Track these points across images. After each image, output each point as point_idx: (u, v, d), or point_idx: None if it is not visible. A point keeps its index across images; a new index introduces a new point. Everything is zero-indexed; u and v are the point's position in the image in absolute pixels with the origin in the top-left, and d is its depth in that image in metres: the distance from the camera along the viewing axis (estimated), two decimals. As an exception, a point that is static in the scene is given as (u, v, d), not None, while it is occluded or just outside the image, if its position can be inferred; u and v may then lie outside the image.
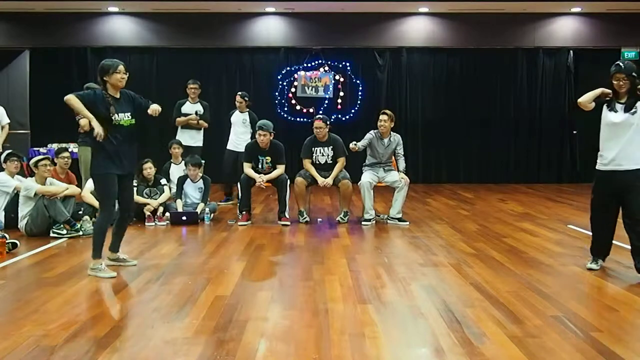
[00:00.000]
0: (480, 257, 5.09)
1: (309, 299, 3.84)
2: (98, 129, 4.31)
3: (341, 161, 6.97)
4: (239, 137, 8.22)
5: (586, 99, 4.49)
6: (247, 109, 8.33)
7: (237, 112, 8.34)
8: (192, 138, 8.19)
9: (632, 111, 4.35)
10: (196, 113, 8.18)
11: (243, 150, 8.04)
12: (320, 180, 6.84)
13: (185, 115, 8.18)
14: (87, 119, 7.46)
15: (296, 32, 11.30)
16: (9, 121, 7.71)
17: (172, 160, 7.80)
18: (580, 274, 4.53)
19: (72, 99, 4.32)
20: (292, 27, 11.28)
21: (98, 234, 4.52)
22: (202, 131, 8.33)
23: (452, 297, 3.89)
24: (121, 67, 4.46)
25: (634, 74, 4.33)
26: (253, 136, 8.05)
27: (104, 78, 4.44)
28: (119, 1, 10.59)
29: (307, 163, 6.98)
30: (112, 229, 4.73)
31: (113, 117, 4.40)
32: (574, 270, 4.64)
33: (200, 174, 7.21)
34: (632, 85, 4.35)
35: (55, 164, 6.80)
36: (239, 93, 8.37)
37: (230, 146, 8.30)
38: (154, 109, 4.61)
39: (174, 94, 8.43)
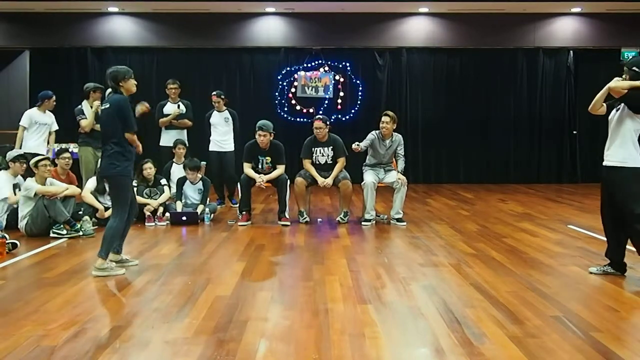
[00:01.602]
0: (480, 257, 5.09)
1: (309, 299, 3.84)
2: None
3: (341, 161, 6.97)
4: (223, 137, 8.13)
5: (592, 106, 4.44)
6: (225, 107, 8.24)
7: (215, 112, 8.19)
8: (176, 139, 8.06)
9: (617, 106, 4.35)
10: (179, 107, 8.16)
11: (229, 150, 8.08)
12: (320, 180, 6.84)
13: (168, 116, 8.15)
14: (88, 120, 7.52)
15: (296, 32, 11.30)
16: (57, 128, 7.77)
17: (174, 160, 7.78)
18: (580, 274, 4.53)
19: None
20: (292, 27, 11.29)
21: (111, 236, 4.50)
22: (185, 131, 8.28)
23: (452, 297, 3.89)
24: (132, 73, 4.57)
25: (635, 68, 4.24)
26: (235, 133, 8.10)
27: (120, 83, 4.49)
28: (119, 1, 10.60)
29: (307, 163, 6.98)
30: (130, 229, 4.79)
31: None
32: (574, 270, 4.64)
33: (200, 176, 7.21)
34: (632, 80, 4.24)
35: (55, 165, 6.80)
36: (214, 93, 8.21)
37: (213, 147, 8.16)
38: None
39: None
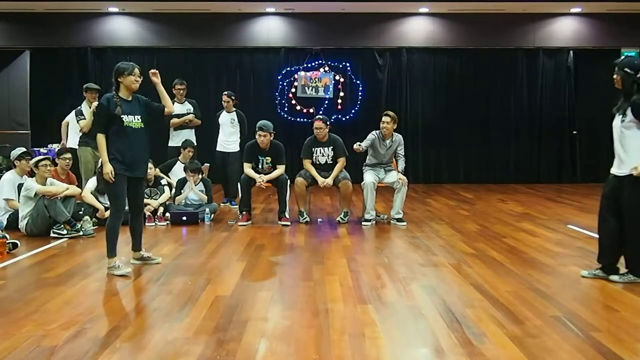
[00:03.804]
0: (480, 257, 5.09)
1: (309, 299, 3.84)
2: (108, 170, 4.42)
3: (341, 161, 6.97)
4: (228, 137, 8.17)
5: None
6: (234, 109, 8.28)
7: (224, 113, 8.25)
8: (186, 139, 8.12)
9: (622, 118, 4.15)
10: (191, 111, 8.21)
11: (232, 150, 8.09)
12: (320, 180, 6.84)
13: (177, 116, 8.15)
14: (87, 121, 7.52)
15: (296, 32, 11.30)
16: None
17: (179, 159, 7.77)
18: (580, 273, 4.53)
19: (101, 140, 4.45)
20: (292, 27, 11.29)
21: (109, 234, 4.54)
22: (193, 132, 8.31)
23: (452, 297, 3.89)
24: (136, 70, 4.57)
25: (626, 69, 4.10)
26: (242, 135, 8.11)
27: (119, 79, 4.52)
28: (119, 1, 10.60)
29: (307, 163, 6.98)
30: (129, 229, 4.79)
31: (123, 118, 4.47)
32: (574, 270, 4.63)
33: (201, 177, 7.21)
34: (624, 82, 4.13)
35: (55, 165, 6.81)
36: (226, 93, 8.29)
37: (219, 147, 8.22)
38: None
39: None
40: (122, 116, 4.46)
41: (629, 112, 4.10)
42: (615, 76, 4.21)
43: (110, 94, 4.55)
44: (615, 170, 4.26)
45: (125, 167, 4.50)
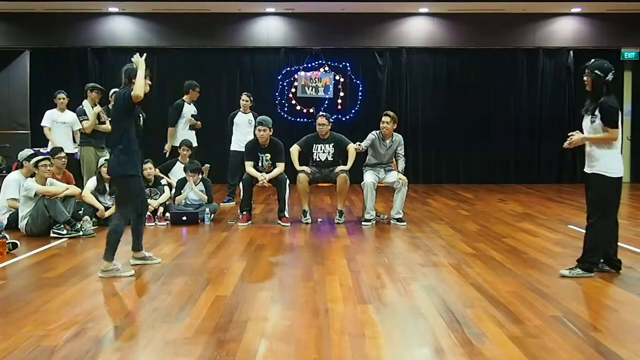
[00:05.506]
0: (480, 257, 5.09)
1: (309, 299, 3.84)
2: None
3: (350, 148, 6.92)
4: (246, 137, 8.22)
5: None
6: (250, 110, 8.43)
7: (240, 113, 8.40)
8: (191, 139, 8.16)
9: (591, 118, 4.29)
10: (194, 115, 8.28)
11: None
12: (301, 168, 6.84)
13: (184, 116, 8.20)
14: (90, 122, 7.48)
15: (296, 33, 11.31)
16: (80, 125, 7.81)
17: (179, 159, 7.79)
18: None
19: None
20: (292, 27, 11.29)
21: (115, 237, 4.44)
22: (194, 131, 8.36)
23: (452, 297, 3.89)
24: (149, 74, 4.56)
25: (596, 71, 4.22)
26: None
27: (133, 80, 4.47)
28: (119, 1, 10.60)
29: (295, 149, 6.97)
30: (130, 230, 4.76)
31: (141, 115, 4.52)
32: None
33: (200, 177, 7.21)
34: (594, 84, 4.25)
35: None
36: (245, 93, 8.49)
37: (236, 147, 8.30)
38: None
39: (174, 94, 8.45)
40: (141, 114, 4.53)
41: (597, 113, 4.24)
42: (585, 78, 4.33)
43: (123, 89, 4.50)
44: (586, 168, 4.44)
45: (137, 168, 4.54)
